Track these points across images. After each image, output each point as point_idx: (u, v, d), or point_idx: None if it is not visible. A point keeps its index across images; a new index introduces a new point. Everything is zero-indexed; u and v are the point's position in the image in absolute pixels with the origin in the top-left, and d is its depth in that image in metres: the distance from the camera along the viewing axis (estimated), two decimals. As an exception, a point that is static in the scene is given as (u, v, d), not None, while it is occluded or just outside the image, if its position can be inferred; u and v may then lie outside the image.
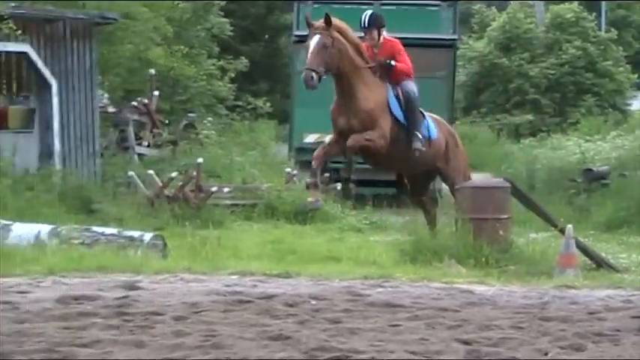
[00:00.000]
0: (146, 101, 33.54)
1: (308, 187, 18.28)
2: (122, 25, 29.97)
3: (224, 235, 20.79)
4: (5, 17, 24.08)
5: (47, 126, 26.84)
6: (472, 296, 13.73)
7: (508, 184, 19.35)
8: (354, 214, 25.08)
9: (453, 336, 10.84)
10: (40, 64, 26.63)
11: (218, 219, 23.31)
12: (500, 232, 17.97)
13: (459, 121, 41.91)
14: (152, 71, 33.88)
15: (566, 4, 52.00)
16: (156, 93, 34.04)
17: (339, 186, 27.42)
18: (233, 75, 42.70)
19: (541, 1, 53.98)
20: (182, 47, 37.76)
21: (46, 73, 26.69)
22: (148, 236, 18.03)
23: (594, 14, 51.11)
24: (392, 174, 30.61)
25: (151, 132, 33.47)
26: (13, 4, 26.01)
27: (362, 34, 31.62)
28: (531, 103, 48.63)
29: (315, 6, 31.87)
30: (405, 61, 17.22)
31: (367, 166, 29.57)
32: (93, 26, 27.93)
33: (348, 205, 25.80)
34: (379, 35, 17.23)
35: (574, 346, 10.54)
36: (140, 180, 24.92)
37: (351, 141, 16.69)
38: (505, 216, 18.43)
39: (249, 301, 12.59)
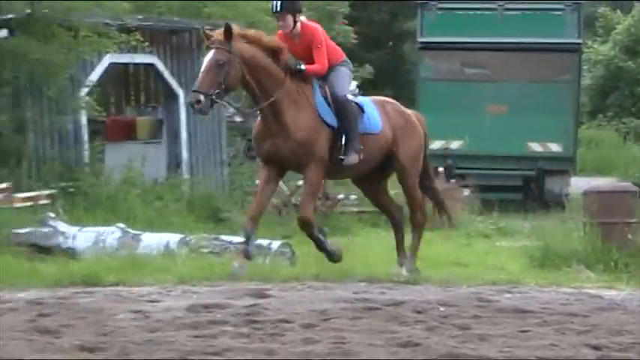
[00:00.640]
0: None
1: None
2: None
3: (352, 242, 20.82)
4: (132, 29, 24.29)
5: (175, 136, 27.06)
6: (601, 301, 13.60)
7: (636, 188, 19.20)
8: (480, 220, 24.98)
9: (583, 341, 10.74)
10: (166, 74, 26.85)
11: (346, 226, 23.34)
12: (629, 236, 17.80)
13: (584, 125, 41.61)
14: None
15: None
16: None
17: (466, 192, 27.42)
18: (359, 82, 42.75)
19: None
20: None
21: (173, 83, 26.90)
22: (276, 244, 18.07)
23: None
24: (516, 180, 30.83)
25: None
26: (140, 17, 26.24)
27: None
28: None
29: (439, 12, 31.83)
30: (321, 57, 13.49)
31: (494, 172, 29.81)
32: (219, 37, 28.09)
33: (474, 209, 25.74)
34: (295, 22, 13.49)
35: None
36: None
37: (302, 213, 13.87)
38: (634, 220, 18.27)
39: (377, 308, 12.55)
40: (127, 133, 27.48)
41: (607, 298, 13.86)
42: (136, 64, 26.93)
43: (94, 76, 25.01)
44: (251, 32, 13.97)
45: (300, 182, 24.46)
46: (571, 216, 20.45)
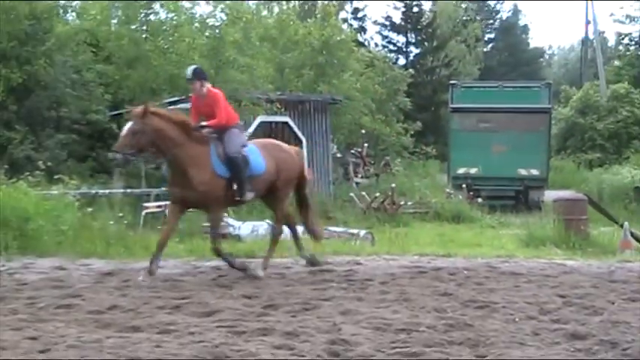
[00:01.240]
0: (360, 149, 33.85)
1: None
2: (344, 103, 30.20)
3: (409, 231, 20.73)
4: (274, 101, 24.46)
5: (300, 166, 27.16)
6: (565, 267, 13.47)
7: (586, 197, 19.16)
8: (489, 217, 24.83)
9: (554, 293, 10.66)
10: (295, 128, 26.97)
11: (405, 221, 23.28)
12: (582, 227, 17.72)
13: (553, 158, 41.19)
14: (363, 131, 34.10)
15: (619, 84, 50.95)
16: (365, 144, 34.30)
17: (479, 199, 27.28)
18: (412, 132, 42.76)
19: (603, 82, 52.91)
20: (381, 116, 37.99)
21: (299, 133, 27.01)
22: (362, 232, 18.09)
23: (638, 89, 49.85)
24: (511, 192, 30.71)
25: (363, 169, 33.73)
26: (279, 93, 26.41)
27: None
28: (599, 146, 47.58)
29: (462, 89, 31.72)
30: (220, 114, 12.06)
31: (497, 187, 29.78)
32: (327, 104, 28.20)
33: (485, 210, 25.61)
34: (201, 86, 12.09)
35: (631, 298, 10.31)
36: (357, 198, 25.02)
37: (212, 246, 12.10)
38: (585, 217, 18.20)
39: (426, 272, 12.53)
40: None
41: (568, 266, 13.73)
42: (277, 122, 27.08)
43: (251, 129, 25.14)
44: (162, 110, 12.34)
45: (377, 194, 24.58)
46: (545, 215, 20.34)
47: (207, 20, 27.15)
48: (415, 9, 56.47)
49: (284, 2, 48.17)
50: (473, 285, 11.27)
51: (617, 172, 37.64)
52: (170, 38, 25.30)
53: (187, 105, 21.76)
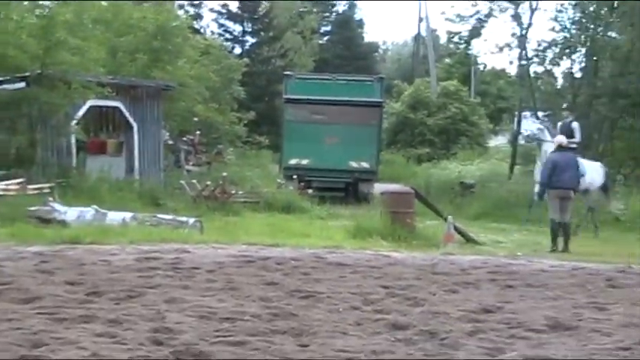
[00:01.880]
0: (192, 137, 33.71)
1: None
2: (178, 90, 29.93)
3: (239, 220, 20.74)
4: (105, 84, 24.04)
5: (131, 152, 26.80)
6: (390, 259, 13.74)
7: (412, 191, 19.47)
8: (318, 208, 25.04)
9: (378, 283, 10.86)
10: (127, 113, 26.60)
11: (235, 210, 23.26)
12: (408, 220, 18.01)
13: (384, 152, 41.90)
14: (196, 119, 33.92)
15: (449, 81, 52.32)
16: (198, 132, 34.17)
17: (310, 191, 27.49)
18: (246, 122, 42.79)
19: (434, 78, 54.20)
20: (215, 104, 37.90)
21: (131, 119, 26.66)
22: (191, 220, 17.98)
23: (467, 87, 51.27)
24: (341, 184, 31.01)
25: (195, 156, 33.60)
26: (110, 77, 25.98)
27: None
28: (428, 141, 48.73)
29: (297, 80, 31.90)
30: None
31: (328, 179, 29.98)
32: (160, 90, 27.91)
33: (315, 201, 25.80)
34: None
35: (451, 290, 10.59)
36: (187, 186, 24.87)
37: None
38: (411, 210, 18.49)
39: (253, 261, 12.58)
40: (101, 149, 27.17)
41: (393, 257, 14.01)
42: (108, 107, 26.62)
43: (80, 113, 24.70)
44: None
45: (208, 182, 24.48)
46: (374, 207, 20.66)
47: (38, -1, 26.55)
48: (252, -2, 56.47)
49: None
50: (299, 275, 11.37)
51: (445, 167, 38.86)
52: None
53: (14, 85, 21.15)
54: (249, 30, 57.16)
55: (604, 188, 22.93)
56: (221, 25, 57.37)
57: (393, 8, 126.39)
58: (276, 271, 11.61)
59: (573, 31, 33.19)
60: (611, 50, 31.47)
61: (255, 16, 56.51)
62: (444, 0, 70.35)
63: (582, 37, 32.76)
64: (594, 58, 32.88)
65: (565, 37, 33.07)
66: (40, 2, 26.50)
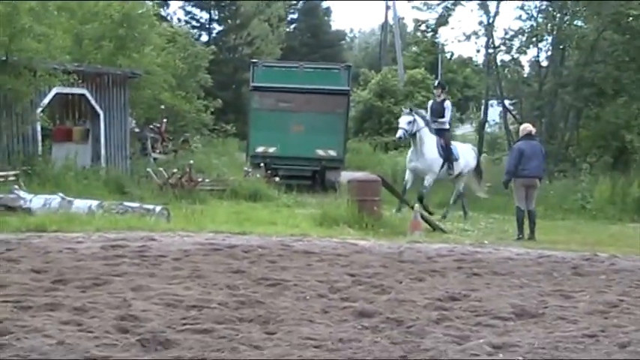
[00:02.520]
0: (158, 125, 33.57)
1: None
2: (144, 78, 29.77)
3: (206, 208, 20.71)
4: (71, 72, 23.86)
5: (97, 140, 26.64)
6: (357, 247, 13.77)
7: (379, 179, 19.46)
8: (285, 196, 25.01)
9: (345, 271, 10.89)
10: (93, 101, 26.44)
11: (202, 198, 23.17)
12: (375, 208, 18.03)
13: (351, 140, 41.94)
14: (162, 106, 33.77)
15: (416, 70, 52.37)
16: (164, 120, 34.02)
17: (277, 179, 27.46)
18: (213, 110, 42.65)
19: (401, 67, 54.25)
20: (182, 92, 37.76)
21: (97, 107, 26.50)
22: (158, 208, 17.90)
23: (434, 75, 51.33)
24: (308, 172, 31.02)
25: (161, 144, 33.48)
26: (76, 64, 25.80)
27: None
28: (395, 129, 48.60)
29: (263, 68, 31.80)
30: None
31: (295, 167, 29.95)
32: (126, 78, 27.76)
33: (282, 190, 25.77)
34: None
35: (418, 278, 10.65)
36: (154, 174, 24.78)
37: None
38: (378, 198, 18.50)
39: (220, 249, 12.57)
40: (66, 137, 26.95)
41: (360, 245, 14.04)
42: (73, 94, 26.43)
43: (46, 100, 24.50)
44: None
45: (175, 170, 24.40)
46: (340, 195, 20.63)
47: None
48: (219, -14, 56.23)
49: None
50: (266, 263, 11.39)
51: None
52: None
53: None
54: (216, 17, 56.95)
55: (477, 170, 23.33)
56: (188, 13, 57.11)
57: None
58: (243, 259, 11.62)
59: (540, 20, 33.32)
60: (577, 39, 31.60)
61: (222, 4, 56.29)
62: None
63: (549, 25, 32.90)
64: (560, 46, 33.07)
65: (532, 26, 33.19)
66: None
